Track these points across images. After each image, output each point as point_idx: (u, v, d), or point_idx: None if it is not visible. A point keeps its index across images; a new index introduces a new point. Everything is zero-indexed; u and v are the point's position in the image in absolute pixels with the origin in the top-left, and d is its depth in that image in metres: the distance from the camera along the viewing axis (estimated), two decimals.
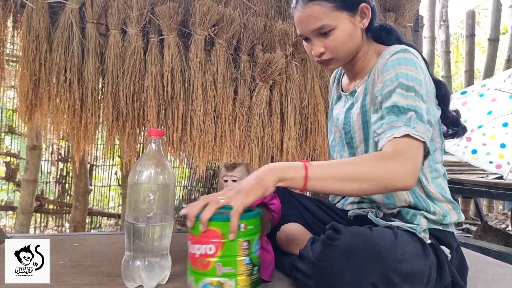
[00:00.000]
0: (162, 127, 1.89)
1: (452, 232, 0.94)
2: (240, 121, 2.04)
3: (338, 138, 1.07)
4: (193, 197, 3.91)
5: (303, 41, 0.99)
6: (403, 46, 0.90)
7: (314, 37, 0.94)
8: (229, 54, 2.02)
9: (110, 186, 3.67)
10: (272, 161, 2.17)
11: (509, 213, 4.02)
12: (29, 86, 1.67)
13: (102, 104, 1.78)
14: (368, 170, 0.76)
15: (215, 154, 2.01)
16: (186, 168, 4.10)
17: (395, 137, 0.79)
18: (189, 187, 4.01)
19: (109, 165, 3.65)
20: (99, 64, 1.78)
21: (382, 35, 1.01)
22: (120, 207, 3.42)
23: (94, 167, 3.57)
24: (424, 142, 0.81)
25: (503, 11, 4.32)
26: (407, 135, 0.79)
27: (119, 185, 3.53)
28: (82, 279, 0.95)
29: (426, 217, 0.91)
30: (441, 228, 0.93)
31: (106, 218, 3.61)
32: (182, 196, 3.97)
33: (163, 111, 1.87)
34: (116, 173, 3.65)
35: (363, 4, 0.94)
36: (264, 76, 2.00)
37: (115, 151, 3.52)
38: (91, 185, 3.27)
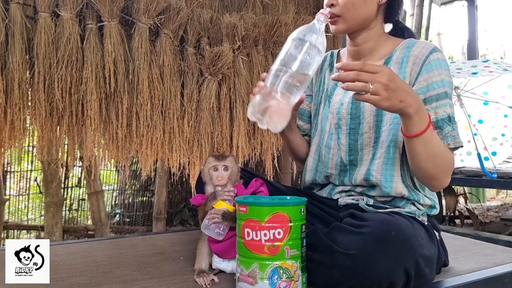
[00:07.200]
0: (104, 123, 1.71)
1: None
2: (189, 116, 1.94)
3: (335, 124, 1.01)
4: (126, 202, 3.63)
5: None
6: (434, 44, 0.96)
7: None
8: (175, 45, 1.91)
9: (28, 195, 3.23)
10: None
11: None
12: None
13: (32, 98, 1.54)
14: (445, 166, 0.86)
15: (163, 152, 1.89)
16: (113, 171, 3.80)
17: (450, 147, 0.89)
18: (118, 191, 3.71)
19: (26, 170, 3.22)
20: (28, 52, 1.54)
21: (398, 31, 1.04)
22: (42, 217, 3.03)
23: (8, 174, 3.11)
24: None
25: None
26: (456, 147, 0.90)
27: (40, 192, 3.13)
28: None
29: (415, 206, 0.94)
30: (427, 213, 0.96)
31: (25, 231, 3.17)
32: (115, 202, 3.67)
33: (105, 106, 1.69)
34: (36, 180, 3.22)
35: None
36: (214, 69, 1.93)
37: (34, 154, 3.11)
38: (5, 194, 2.84)
